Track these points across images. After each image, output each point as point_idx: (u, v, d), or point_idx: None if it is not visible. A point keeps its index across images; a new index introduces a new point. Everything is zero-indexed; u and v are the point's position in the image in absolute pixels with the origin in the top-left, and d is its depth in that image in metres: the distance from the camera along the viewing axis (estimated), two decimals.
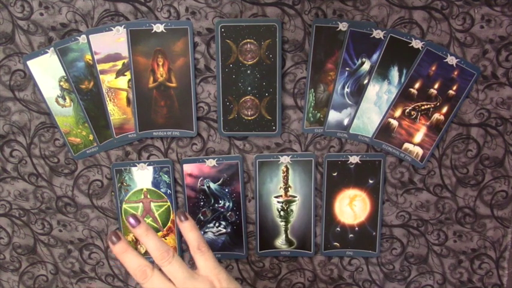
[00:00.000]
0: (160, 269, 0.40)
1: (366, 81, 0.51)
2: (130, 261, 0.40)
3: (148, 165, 0.54)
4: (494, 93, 0.51)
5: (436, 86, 0.50)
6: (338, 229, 0.56)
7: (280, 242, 0.56)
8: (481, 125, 0.52)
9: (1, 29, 0.51)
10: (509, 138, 0.52)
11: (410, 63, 0.50)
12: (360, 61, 0.51)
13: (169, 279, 0.40)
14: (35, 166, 0.55)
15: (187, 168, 0.54)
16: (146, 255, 0.57)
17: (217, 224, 0.56)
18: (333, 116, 0.52)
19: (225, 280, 0.41)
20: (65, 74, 0.52)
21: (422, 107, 0.51)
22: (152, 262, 0.40)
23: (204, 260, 0.41)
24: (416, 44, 0.49)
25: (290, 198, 0.55)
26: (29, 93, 0.53)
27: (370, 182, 0.54)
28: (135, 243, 0.57)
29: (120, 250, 0.40)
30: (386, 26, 0.50)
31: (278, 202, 0.55)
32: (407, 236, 0.56)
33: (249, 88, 0.51)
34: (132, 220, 0.41)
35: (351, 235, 0.56)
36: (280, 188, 0.54)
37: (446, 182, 0.54)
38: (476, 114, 0.52)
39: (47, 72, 0.52)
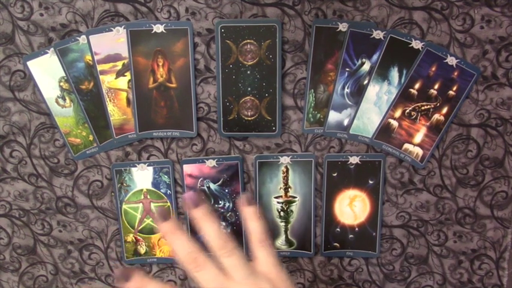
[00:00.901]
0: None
1: (366, 82, 0.51)
2: (181, 244, 0.35)
3: (148, 165, 0.54)
4: (494, 93, 0.51)
5: (436, 87, 0.50)
6: (338, 229, 0.56)
7: (280, 242, 0.56)
8: (481, 125, 0.52)
9: (1, 30, 0.51)
10: (509, 138, 0.52)
11: (410, 64, 0.50)
12: (360, 61, 0.51)
13: (224, 273, 0.35)
14: (35, 166, 0.55)
15: (187, 168, 0.54)
16: (147, 255, 0.57)
17: None
18: (333, 116, 0.52)
19: (286, 281, 0.36)
20: (65, 75, 0.52)
21: (422, 108, 0.51)
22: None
23: (266, 255, 0.37)
24: (416, 44, 0.49)
25: (290, 198, 0.55)
26: (29, 94, 0.53)
27: (370, 182, 0.54)
28: (134, 244, 0.57)
29: (170, 230, 0.35)
30: (387, 26, 0.50)
31: (278, 203, 0.55)
32: (407, 236, 0.56)
33: (249, 88, 0.51)
34: (191, 198, 0.36)
35: (351, 235, 0.56)
36: (280, 188, 0.54)
37: (446, 183, 0.54)
38: (476, 115, 0.52)
39: (47, 72, 0.52)
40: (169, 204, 0.55)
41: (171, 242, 0.35)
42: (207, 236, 0.35)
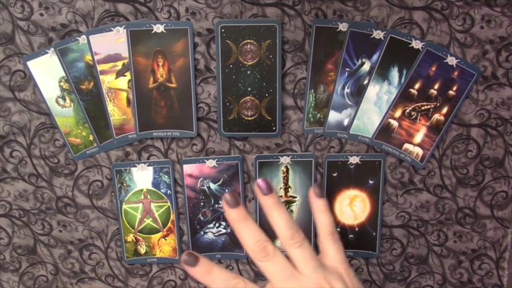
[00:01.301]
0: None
1: (366, 82, 0.51)
2: (249, 232, 0.33)
3: (148, 165, 0.54)
4: (494, 93, 0.51)
5: (436, 87, 0.50)
6: (338, 229, 0.56)
7: (280, 242, 0.56)
8: (481, 125, 0.52)
9: (1, 30, 0.51)
10: (509, 138, 0.52)
11: (410, 64, 0.50)
12: (360, 61, 0.51)
13: (292, 265, 0.33)
14: (35, 166, 0.55)
15: (187, 168, 0.54)
16: (147, 255, 0.57)
17: (217, 225, 0.56)
18: (333, 116, 0.52)
19: (354, 278, 0.35)
20: (65, 75, 0.52)
21: (423, 108, 0.51)
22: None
23: (336, 249, 0.36)
24: (417, 44, 0.49)
25: (290, 198, 0.55)
26: (29, 94, 0.53)
27: (370, 182, 0.54)
28: (134, 244, 0.57)
29: (238, 217, 0.33)
30: (387, 26, 0.50)
31: None
32: (408, 236, 0.56)
33: (249, 88, 0.51)
34: (262, 185, 0.34)
35: (351, 235, 0.56)
36: (280, 188, 0.54)
37: (447, 183, 0.54)
38: (476, 115, 0.52)
39: (47, 72, 0.52)
40: (169, 204, 0.55)
41: (239, 230, 0.34)
42: (275, 225, 0.34)
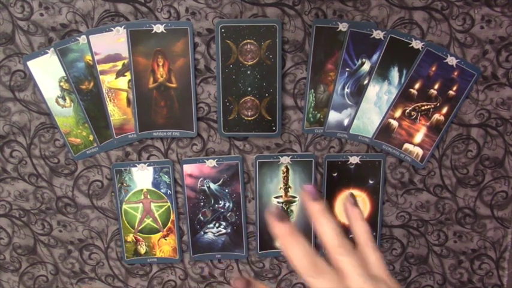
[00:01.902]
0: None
1: (366, 82, 0.51)
2: (298, 249, 0.33)
3: (148, 165, 0.54)
4: (494, 93, 0.51)
5: (436, 87, 0.50)
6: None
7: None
8: (481, 125, 0.52)
9: (1, 30, 0.51)
10: (509, 138, 0.52)
11: (410, 64, 0.50)
12: (360, 61, 0.51)
13: (341, 276, 0.33)
14: (35, 166, 0.55)
15: (188, 168, 0.54)
16: (147, 255, 0.57)
17: (217, 225, 0.56)
18: (333, 116, 0.52)
19: (395, 284, 0.34)
20: (65, 75, 0.52)
21: (423, 108, 0.51)
22: None
23: (377, 257, 0.35)
24: (417, 44, 0.49)
25: (290, 198, 0.55)
26: (29, 94, 0.53)
27: (370, 182, 0.54)
28: (134, 244, 0.57)
29: (287, 233, 0.33)
30: (387, 26, 0.50)
31: (278, 202, 0.55)
32: (408, 236, 0.56)
33: (249, 88, 0.51)
34: (312, 190, 0.34)
35: (351, 235, 0.56)
36: (280, 188, 0.54)
37: (447, 183, 0.54)
38: (477, 115, 0.52)
39: (47, 72, 0.52)
40: (169, 204, 0.55)
41: (287, 246, 0.33)
42: (323, 232, 0.34)
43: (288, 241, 0.33)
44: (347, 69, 0.51)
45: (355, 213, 0.37)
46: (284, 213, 0.33)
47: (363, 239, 0.36)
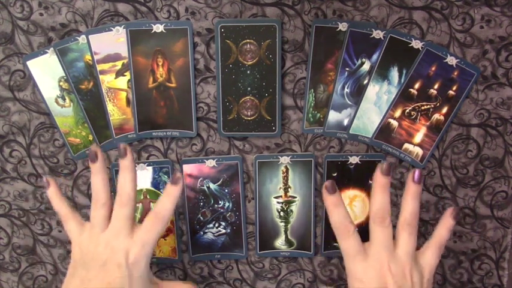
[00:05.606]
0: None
1: (365, 82, 0.51)
2: (339, 215, 0.40)
3: (147, 165, 0.54)
4: (494, 93, 0.51)
5: (436, 86, 0.50)
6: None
7: (280, 242, 0.56)
8: (481, 125, 0.52)
9: (1, 29, 0.50)
10: (509, 138, 0.52)
11: (410, 64, 0.50)
12: (359, 61, 0.51)
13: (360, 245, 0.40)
14: (34, 166, 0.55)
15: (187, 168, 0.54)
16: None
17: (216, 225, 0.56)
18: (333, 116, 0.52)
19: (416, 276, 0.39)
20: (64, 74, 0.52)
21: (422, 108, 0.51)
22: None
23: (407, 241, 0.40)
24: (416, 44, 0.49)
25: (290, 198, 0.55)
26: (29, 94, 0.53)
27: (370, 182, 0.54)
28: None
29: (334, 203, 0.40)
30: (386, 26, 0.50)
31: (278, 203, 0.55)
32: None
33: (249, 88, 0.51)
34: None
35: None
36: (280, 188, 0.54)
37: (446, 183, 0.54)
38: (476, 115, 0.52)
39: (46, 72, 0.52)
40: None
41: (332, 212, 0.40)
42: (372, 203, 0.40)
43: (333, 210, 0.40)
44: (347, 69, 0.51)
45: (415, 189, 0.40)
46: (333, 185, 0.40)
47: (405, 219, 0.40)
